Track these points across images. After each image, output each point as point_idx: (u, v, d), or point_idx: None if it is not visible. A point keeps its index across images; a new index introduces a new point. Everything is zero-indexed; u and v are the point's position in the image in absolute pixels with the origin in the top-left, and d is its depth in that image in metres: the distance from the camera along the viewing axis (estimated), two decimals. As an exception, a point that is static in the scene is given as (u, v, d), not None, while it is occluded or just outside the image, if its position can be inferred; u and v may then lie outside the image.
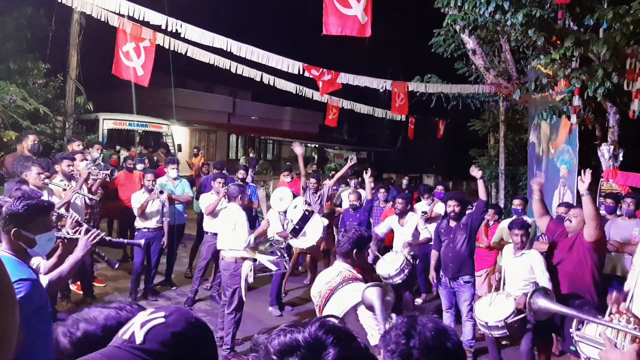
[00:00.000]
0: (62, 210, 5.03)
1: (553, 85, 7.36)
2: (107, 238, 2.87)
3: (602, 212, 6.53)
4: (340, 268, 3.15)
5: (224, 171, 8.51)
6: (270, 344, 1.01)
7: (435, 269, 6.01)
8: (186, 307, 6.69)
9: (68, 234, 2.79)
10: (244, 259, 5.39)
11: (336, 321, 1.08)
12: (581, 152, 7.55)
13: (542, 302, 2.48)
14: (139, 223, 6.76)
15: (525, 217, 6.58)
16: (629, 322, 2.15)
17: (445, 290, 5.78)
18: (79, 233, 2.81)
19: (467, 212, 5.83)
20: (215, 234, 6.71)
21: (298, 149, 7.82)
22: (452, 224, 5.72)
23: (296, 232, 6.31)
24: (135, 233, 6.90)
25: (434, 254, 6.03)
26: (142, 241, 3.01)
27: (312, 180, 7.62)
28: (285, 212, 6.70)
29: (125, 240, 2.96)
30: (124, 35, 7.71)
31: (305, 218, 6.27)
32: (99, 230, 2.81)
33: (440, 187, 8.53)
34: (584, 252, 4.43)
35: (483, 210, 5.73)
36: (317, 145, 30.60)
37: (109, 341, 1.13)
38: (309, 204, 6.82)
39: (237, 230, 5.37)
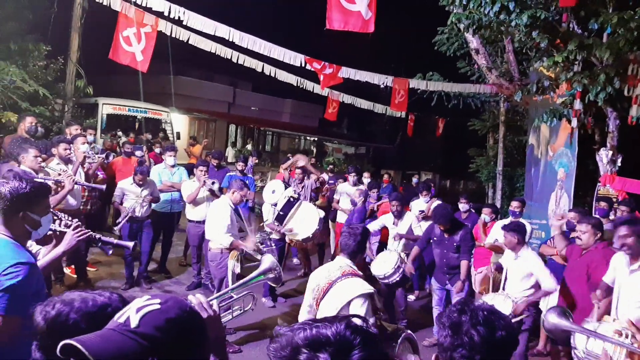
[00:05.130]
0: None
1: (554, 88, 7.36)
2: (97, 236, 2.80)
3: (596, 216, 6.54)
4: (341, 263, 3.24)
5: (222, 162, 8.48)
6: (296, 336, 1.01)
7: (412, 262, 6.08)
8: (187, 292, 6.66)
9: (60, 225, 2.71)
10: (230, 249, 5.42)
11: (361, 322, 1.09)
12: (579, 156, 7.57)
13: (552, 319, 2.52)
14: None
15: (521, 220, 6.59)
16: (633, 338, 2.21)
17: (438, 286, 5.91)
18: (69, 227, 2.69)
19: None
20: (198, 222, 6.74)
21: (301, 161, 7.76)
22: (446, 236, 5.79)
23: (281, 218, 6.32)
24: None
25: (415, 249, 6.11)
26: (131, 243, 2.95)
27: (298, 171, 7.66)
28: (276, 204, 6.73)
29: (115, 241, 2.87)
30: (125, 19, 7.67)
31: (289, 204, 6.29)
32: (88, 231, 2.68)
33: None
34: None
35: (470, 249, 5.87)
36: (316, 139, 30.58)
37: (83, 324, 1.18)
38: (299, 195, 6.85)
39: (217, 223, 5.48)
